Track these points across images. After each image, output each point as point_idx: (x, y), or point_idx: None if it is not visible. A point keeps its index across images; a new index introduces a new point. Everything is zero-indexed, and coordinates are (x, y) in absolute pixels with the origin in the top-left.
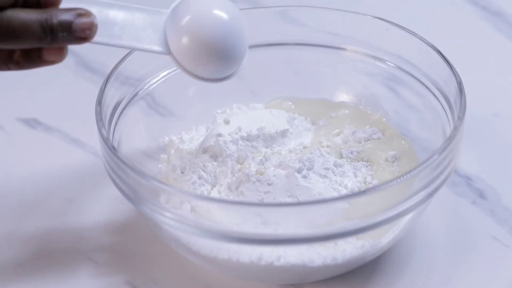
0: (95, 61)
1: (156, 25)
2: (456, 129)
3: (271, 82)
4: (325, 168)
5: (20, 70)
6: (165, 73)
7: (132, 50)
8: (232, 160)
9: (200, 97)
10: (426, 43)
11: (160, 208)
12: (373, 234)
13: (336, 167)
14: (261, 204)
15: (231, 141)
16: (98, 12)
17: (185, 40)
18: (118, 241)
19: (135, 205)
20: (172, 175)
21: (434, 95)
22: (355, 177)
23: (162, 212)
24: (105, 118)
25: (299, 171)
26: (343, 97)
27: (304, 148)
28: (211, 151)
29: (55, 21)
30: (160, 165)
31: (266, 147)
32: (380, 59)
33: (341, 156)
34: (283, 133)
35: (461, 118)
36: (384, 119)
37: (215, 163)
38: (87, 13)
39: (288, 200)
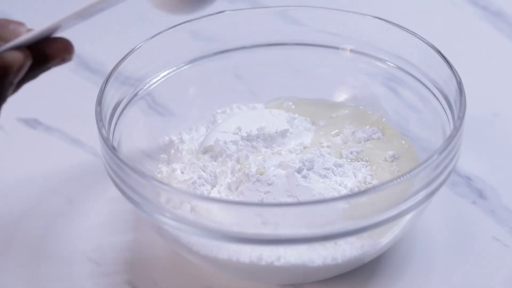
0: (95, 61)
1: None
2: (456, 129)
3: (271, 82)
4: (325, 168)
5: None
6: (165, 73)
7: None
8: (232, 160)
9: (200, 97)
10: (426, 43)
11: (160, 208)
12: (373, 234)
13: (336, 167)
14: (260, 204)
15: (231, 141)
16: None
17: None
18: (118, 241)
19: (135, 205)
20: (172, 175)
21: (434, 95)
22: (355, 177)
23: (162, 212)
24: (105, 118)
25: (299, 171)
26: (343, 97)
27: (304, 148)
28: (211, 151)
29: None
30: (160, 165)
31: (266, 147)
32: (380, 59)
33: (341, 156)
34: (283, 133)
35: (461, 118)
36: (384, 119)
37: (215, 163)
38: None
39: (288, 200)
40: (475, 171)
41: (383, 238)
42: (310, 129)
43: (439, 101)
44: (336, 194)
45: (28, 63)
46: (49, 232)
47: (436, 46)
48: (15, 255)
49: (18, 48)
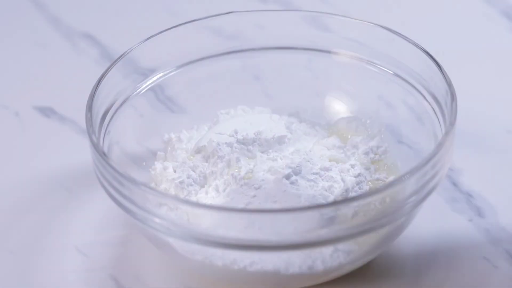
0: (120, 53)
1: None
2: (446, 134)
3: (288, 86)
4: (314, 173)
5: None
6: (176, 67)
7: None
8: (223, 162)
9: (211, 96)
10: (419, 48)
11: (135, 205)
12: (353, 243)
13: (324, 171)
14: (235, 210)
15: (226, 143)
16: None
17: None
18: (111, 236)
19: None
20: (163, 173)
21: (427, 100)
22: (343, 183)
23: (136, 210)
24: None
25: (287, 177)
26: (340, 104)
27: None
28: (204, 152)
29: None
30: (156, 162)
31: (262, 152)
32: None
33: (335, 162)
34: (280, 139)
35: (452, 123)
36: (382, 129)
37: (206, 164)
38: None
39: (274, 206)
40: (477, 188)
41: (364, 248)
42: (309, 134)
43: (432, 107)
44: (323, 201)
45: None
46: (46, 223)
47: (427, 51)
48: (8, 241)
49: None
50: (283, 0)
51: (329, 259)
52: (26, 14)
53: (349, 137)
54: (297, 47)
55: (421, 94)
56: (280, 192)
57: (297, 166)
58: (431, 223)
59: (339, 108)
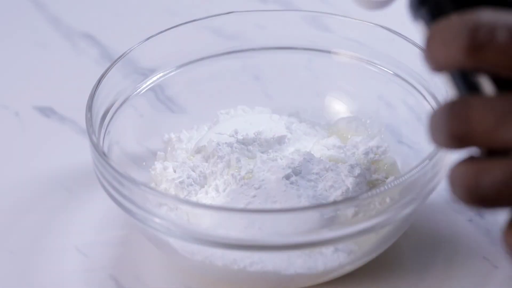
0: (120, 53)
1: None
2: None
3: (288, 86)
4: (314, 173)
5: None
6: (176, 67)
7: None
8: (223, 162)
9: (211, 96)
10: (419, 48)
11: (135, 205)
12: (356, 242)
13: (325, 171)
14: (235, 210)
15: (226, 143)
16: None
17: None
18: (111, 236)
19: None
20: (163, 173)
21: (427, 100)
22: (344, 183)
23: (136, 210)
24: (102, 113)
25: (287, 177)
26: (340, 104)
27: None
28: (204, 152)
29: None
30: (156, 162)
31: (262, 152)
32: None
33: (334, 162)
34: (280, 139)
35: None
36: (382, 129)
37: (206, 164)
38: None
39: (274, 206)
40: None
41: (364, 248)
42: (309, 134)
43: (432, 108)
44: (323, 201)
45: None
46: (46, 223)
47: None
48: (8, 241)
49: None
50: (283, 0)
51: (329, 259)
52: (26, 14)
53: (349, 137)
54: (297, 47)
55: (421, 94)
56: (280, 192)
57: (297, 166)
58: (431, 223)
59: (339, 108)
